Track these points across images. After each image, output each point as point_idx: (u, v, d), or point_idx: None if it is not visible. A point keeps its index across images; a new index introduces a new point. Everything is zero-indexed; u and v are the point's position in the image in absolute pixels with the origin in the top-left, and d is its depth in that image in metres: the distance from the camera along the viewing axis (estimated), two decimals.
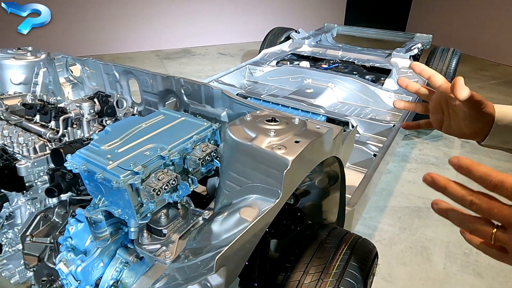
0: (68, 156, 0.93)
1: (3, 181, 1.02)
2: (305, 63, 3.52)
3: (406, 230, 2.27)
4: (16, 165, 1.03)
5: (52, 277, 1.15)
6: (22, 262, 1.19)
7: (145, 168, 0.88)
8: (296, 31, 4.15)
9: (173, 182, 0.93)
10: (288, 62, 3.58)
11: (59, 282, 1.17)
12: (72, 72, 1.86)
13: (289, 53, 3.82)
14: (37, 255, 1.12)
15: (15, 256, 1.26)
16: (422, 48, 3.61)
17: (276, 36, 4.15)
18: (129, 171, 0.86)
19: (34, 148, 1.06)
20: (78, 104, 1.19)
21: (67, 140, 1.16)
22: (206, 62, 5.97)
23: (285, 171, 0.77)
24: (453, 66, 3.16)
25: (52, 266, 1.14)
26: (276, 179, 0.79)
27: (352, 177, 1.93)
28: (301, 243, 1.04)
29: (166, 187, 0.90)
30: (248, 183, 0.87)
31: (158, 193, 0.89)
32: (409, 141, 3.41)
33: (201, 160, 1.01)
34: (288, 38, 4.15)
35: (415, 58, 3.46)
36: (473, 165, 0.47)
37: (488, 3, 6.34)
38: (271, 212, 0.78)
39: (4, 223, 1.31)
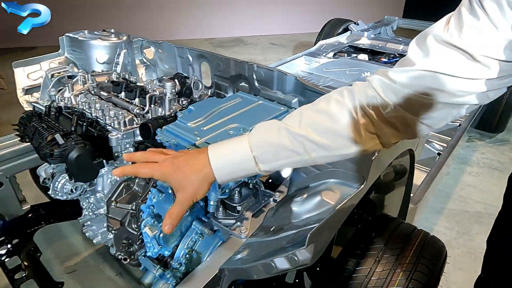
0: (158, 131, 1.01)
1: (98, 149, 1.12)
2: (364, 56, 3.43)
3: (464, 235, 2.17)
4: (109, 136, 1.13)
5: (130, 241, 1.26)
6: (105, 224, 1.31)
7: None
8: (355, 23, 4.04)
9: None
10: (346, 54, 3.51)
11: (136, 246, 1.27)
12: (145, 54, 1.97)
13: (347, 45, 3.74)
14: (120, 219, 1.23)
15: (97, 219, 1.39)
16: None
17: (333, 27, 4.07)
18: None
19: (124, 122, 1.16)
20: (161, 84, 1.27)
21: (151, 116, 1.24)
22: (257, 51, 6.01)
23: (373, 158, 0.78)
24: None
25: (131, 231, 1.24)
26: (363, 165, 0.80)
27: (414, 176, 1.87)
28: (371, 232, 1.04)
29: None
30: (328, 168, 0.89)
31: None
32: (471, 143, 3.22)
33: None
34: (345, 30, 4.06)
35: None
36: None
37: None
38: (356, 197, 0.79)
39: (87, 189, 1.44)
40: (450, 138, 2.18)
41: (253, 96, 1.20)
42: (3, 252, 1.48)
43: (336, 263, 0.99)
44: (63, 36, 1.70)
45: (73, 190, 1.39)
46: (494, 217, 2.14)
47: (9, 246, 1.52)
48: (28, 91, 1.56)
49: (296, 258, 0.71)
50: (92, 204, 1.44)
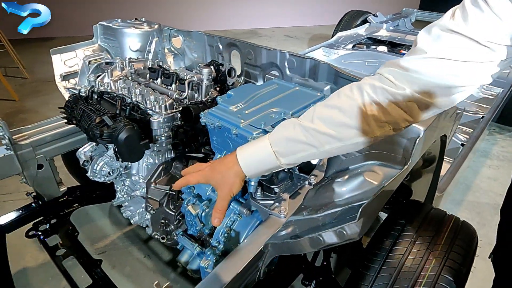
0: (202, 114, 1.05)
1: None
2: (383, 48, 3.42)
3: (486, 227, 2.18)
4: (151, 119, 1.18)
5: (167, 221, 1.32)
6: (143, 205, 1.37)
7: (273, 128, 0.97)
8: (373, 15, 4.02)
9: None
10: (365, 46, 3.50)
11: (172, 226, 1.33)
12: (173, 43, 2.01)
13: (365, 37, 3.73)
14: (158, 200, 1.28)
15: (133, 201, 1.45)
16: None
17: (351, 19, 4.05)
18: (261, 130, 0.95)
19: (165, 106, 1.20)
20: (198, 70, 1.31)
21: (188, 102, 1.29)
22: (272, 44, 6.00)
23: (417, 140, 0.81)
24: None
25: (169, 211, 1.29)
26: (405, 147, 0.83)
27: None
28: (405, 215, 1.08)
29: None
30: (369, 150, 0.92)
31: None
32: (490, 137, 3.20)
33: None
34: (364, 22, 4.04)
35: None
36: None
37: None
38: (399, 178, 0.83)
39: (122, 172, 1.50)
40: (472, 130, 2.18)
41: (288, 82, 1.24)
42: (43, 231, 1.56)
43: (373, 242, 1.02)
44: (97, 25, 1.75)
45: (110, 172, 1.44)
46: None
47: (47, 225, 1.59)
48: (65, 77, 1.62)
49: (345, 232, 0.75)
50: (127, 187, 1.50)
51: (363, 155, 0.94)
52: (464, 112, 2.30)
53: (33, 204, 1.59)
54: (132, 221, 1.40)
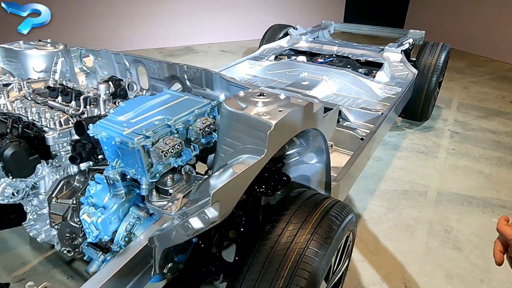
0: (90, 126, 1.12)
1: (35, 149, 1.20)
2: (302, 58, 3.70)
3: (393, 210, 2.44)
4: (45, 135, 1.22)
5: (74, 234, 1.34)
6: (48, 222, 1.37)
7: (155, 133, 1.07)
8: (294, 28, 4.33)
9: (178, 147, 1.11)
10: (286, 57, 3.76)
11: (79, 239, 1.35)
12: (85, 63, 2.04)
13: (287, 48, 4.00)
14: (61, 214, 1.31)
15: (40, 219, 1.45)
16: (413, 43, 3.78)
17: (275, 32, 4.32)
18: (142, 135, 1.04)
19: (60, 122, 1.25)
20: (95, 86, 1.38)
21: (86, 116, 1.34)
22: (208, 59, 6.15)
23: (268, 132, 0.95)
24: (441, 60, 3.32)
25: (73, 224, 1.32)
26: (261, 139, 0.97)
27: (340, 159, 2.10)
28: (287, 201, 1.22)
29: (172, 150, 1.09)
30: (240, 146, 1.05)
31: (166, 154, 1.07)
32: (401, 132, 3.57)
33: (201, 131, 1.19)
34: (286, 34, 4.32)
35: (406, 52, 3.62)
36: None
37: (484, 1, 6.48)
38: (257, 165, 0.96)
39: (30, 192, 1.49)
40: (373, 125, 2.45)
41: (181, 92, 1.34)
42: None
43: (257, 227, 1.15)
44: None
45: (15, 193, 1.43)
46: (418, 193, 2.51)
47: None
48: None
49: (206, 217, 0.86)
50: (35, 207, 1.49)
51: (236, 150, 1.07)
52: (366, 110, 2.58)
53: None
54: (38, 239, 1.40)
